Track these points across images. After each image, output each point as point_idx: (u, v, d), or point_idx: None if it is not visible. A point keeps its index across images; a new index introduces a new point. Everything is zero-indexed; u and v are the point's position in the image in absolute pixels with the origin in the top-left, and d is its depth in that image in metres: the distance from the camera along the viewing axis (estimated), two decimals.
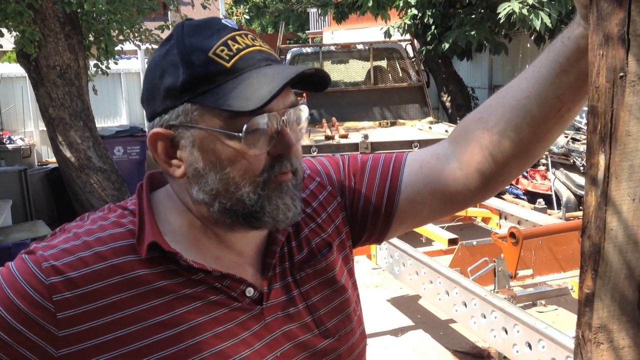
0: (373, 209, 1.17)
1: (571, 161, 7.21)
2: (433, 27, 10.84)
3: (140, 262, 0.96)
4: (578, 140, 7.14)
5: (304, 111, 1.02)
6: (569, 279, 4.15)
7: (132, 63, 11.89)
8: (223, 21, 0.98)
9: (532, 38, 10.15)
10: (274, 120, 0.95)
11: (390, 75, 9.53)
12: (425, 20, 10.82)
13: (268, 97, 0.89)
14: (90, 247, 0.96)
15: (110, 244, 0.97)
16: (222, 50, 0.93)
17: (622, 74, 0.76)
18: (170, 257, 0.97)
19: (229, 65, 0.93)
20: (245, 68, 0.94)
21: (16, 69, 9.92)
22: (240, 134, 0.93)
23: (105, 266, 0.95)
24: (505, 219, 5.40)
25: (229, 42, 0.94)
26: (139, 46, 8.92)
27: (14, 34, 6.85)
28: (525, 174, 7.94)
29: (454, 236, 4.59)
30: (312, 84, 1.01)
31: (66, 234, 0.99)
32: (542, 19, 8.12)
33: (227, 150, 0.94)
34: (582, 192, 5.52)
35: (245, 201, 0.96)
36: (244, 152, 0.94)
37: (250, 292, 1.02)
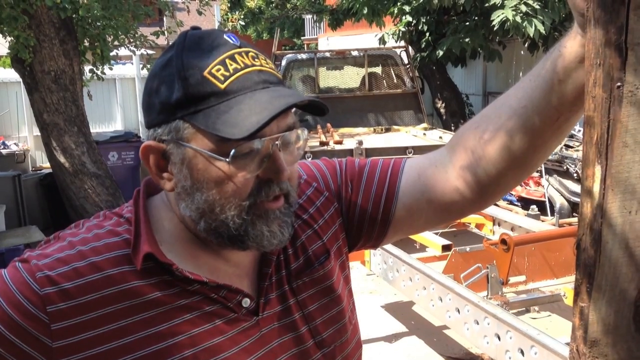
0: (369, 216, 1.16)
1: (564, 168, 7.22)
2: (427, 34, 10.88)
3: (135, 273, 0.95)
4: (571, 147, 7.16)
5: (302, 132, 0.99)
6: (562, 286, 4.15)
7: (127, 68, 11.86)
8: (225, 36, 0.96)
9: (526, 45, 10.19)
10: (265, 144, 0.93)
11: (384, 81, 9.53)
12: (419, 27, 10.86)
13: (256, 127, 0.86)
14: (85, 257, 0.94)
15: (105, 254, 0.95)
16: (218, 70, 0.91)
17: (619, 83, 0.74)
18: (166, 268, 0.96)
19: (223, 86, 0.91)
20: (239, 91, 0.91)
21: (10, 74, 9.89)
22: (227, 159, 0.91)
23: (100, 277, 0.93)
24: (499, 226, 5.40)
25: (227, 61, 0.92)
26: (134, 52, 8.90)
27: (9, 39, 6.83)
28: None
29: (447, 242, 4.59)
30: (310, 107, 0.97)
31: (61, 243, 0.98)
32: (535, 26, 8.15)
33: (215, 172, 0.92)
34: (576, 199, 5.57)
35: (229, 224, 0.94)
36: (232, 175, 0.92)
37: (246, 302, 1.01)
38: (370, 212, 1.16)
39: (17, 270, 0.93)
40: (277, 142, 0.94)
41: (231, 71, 0.92)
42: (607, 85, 0.76)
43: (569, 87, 0.96)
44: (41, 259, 0.94)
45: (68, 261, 0.93)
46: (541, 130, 1.02)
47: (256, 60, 0.95)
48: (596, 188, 0.78)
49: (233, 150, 0.90)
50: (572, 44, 0.94)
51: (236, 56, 0.93)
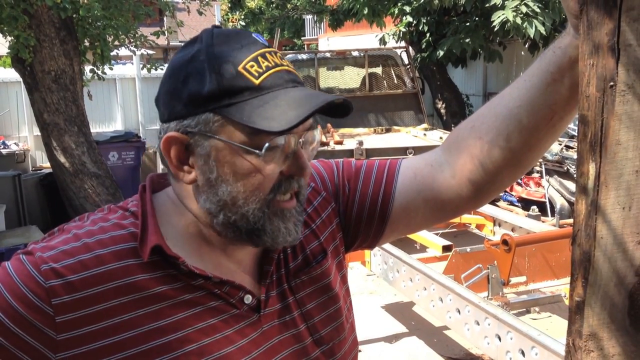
0: (366, 216, 1.18)
1: (565, 168, 7.23)
2: (428, 34, 10.88)
3: (140, 267, 0.96)
4: (572, 148, 7.16)
5: (318, 133, 1.03)
6: (563, 286, 4.17)
7: (127, 68, 11.86)
8: (254, 36, 0.98)
9: (527, 46, 10.20)
10: (293, 141, 0.95)
11: (385, 82, 9.55)
12: (420, 28, 10.86)
13: (295, 121, 0.89)
14: (91, 249, 0.95)
15: (110, 247, 0.96)
16: (252, 66, 0.94)
17: (612, 83, 0.76)
18: (171, 262, 0.97)
19: (257, 82, 0.93)
20: (273, 87, 0.94)
21: (11, 74, 9.90)
22: (260, 152, 0.93)
23: (105, 270, 0.94)
24: (499, 226, 5.41)
25: (259, 58, 0.95)
26: (134, 52, 8.91)
27: (9, 38, 6.84)
28: (519, 181, 7.97)
29: (448, 243, 4.60)
30: (332, 109, 1.00)
31: (65, 235, 0.98)
32: (536, 27, 8.16)
33: (244, 164, 0.94)
34: None
35: (249, 217, 0.96)
36: (261, 168, 0.94)
37: (248, 299, 1.03)
38: (367, 212, 1.18)
39: (21, 262, 0.94)
40: (301, 140, 0.97)
41: (264, 68, 0.94)
42: (600, 85, 0.78)
43: (563, 87, 0.99)
44: (46, 251, 0.94)
45: (73, 253, 0.94)
46: (536, 129, 1.04)
47: (283, 61, 0.98)
48: (590, 185, 0.79)
49: (267, 144, 0.93)
50: (566, 45, 0.97)
51: (267, 55, 0.96)
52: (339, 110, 1.00)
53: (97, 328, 0.92)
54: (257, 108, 0.92)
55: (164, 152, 0.99)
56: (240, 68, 0.93)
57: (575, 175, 7.27)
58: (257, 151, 0.93)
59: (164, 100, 0.99)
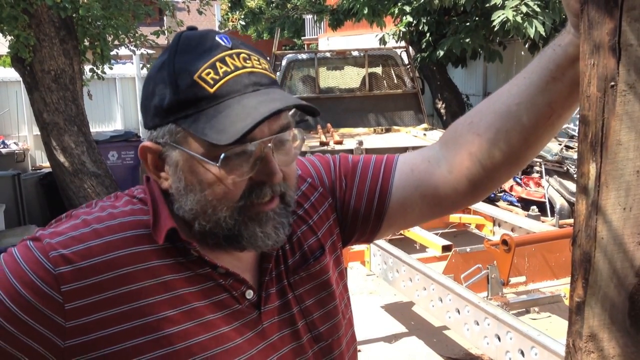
0: (364, 211, 1.18)
1: (565, 168, 7.23)
2: (428, 34, 10.88)
3: (152, 253, 0.96)
4: (572, 148, 7.16)
5: (299, 132, 1.01)
6: (562, 287, 4.16)
7: (127, 68, 11.87)
8: (217, 38, 0.96)
9: (527, 46, 10.20)
10: (256, 147, 0.94)
11: (385, 82, 9.55)
12: (420, 28, 10.86)
13: (241, 132, 0.87)
14: (100, 235, 0.95)
15: (120, 233, 0.96)
16: (208, 74, 0.92)
17: (612, 83, 0.76)
18: (180, 249, 0.97)
19: (212, 90, 0.91)
20: (228, 94, 0.92)
21: (11, 73, 9.91)
22: (216, 163, 0.92)
23: (114, 256, 0.94)
24: (499, 226, 5.40)
25: (218, 64, 0.93)
26: (134, 51, 8.92)
27: (9, 38, 6.84)
28: (519, 181, 7.98)
29: (447, 243, 4.59)
30: (301, 108, 0.98)
31: (74, 221, 0.98)
32: (536, 27, 8.16)
33: (207, 174, 0.94)
34: None
35: (222, 224, 0.96)
36: (222, 178, 0.93)
37: (250, 294, 1.03)
38: (364, 207, 1.17)
39: (28, 249, 0.93)
40: (269, 145, 0.94)
41: (221, 74, 0.92)
42: (601, 85, 0.78)
43: (562, 85, 0.99)
44: (54, 237, 0.94)
45: (83, 239, 0.94)
46: (534, 127, 1.04)
47: (247, 62, 0.95)
48: (591, 185, 0.79)
49: (222, 155, 0.91)
50: (565, 43, 0.97)
51: (227, 59, 0.94)
52: (306, 109, 0.98)
53: (107, 315, 0.92)
54: (210, 119, 0.91)
55: (142, 159, 1.00)
56: (195, 77, 0.92)
57: (575, 176, 7.27)
58: (214, 163, 0.92)
59: (142, 110, 1.01)
